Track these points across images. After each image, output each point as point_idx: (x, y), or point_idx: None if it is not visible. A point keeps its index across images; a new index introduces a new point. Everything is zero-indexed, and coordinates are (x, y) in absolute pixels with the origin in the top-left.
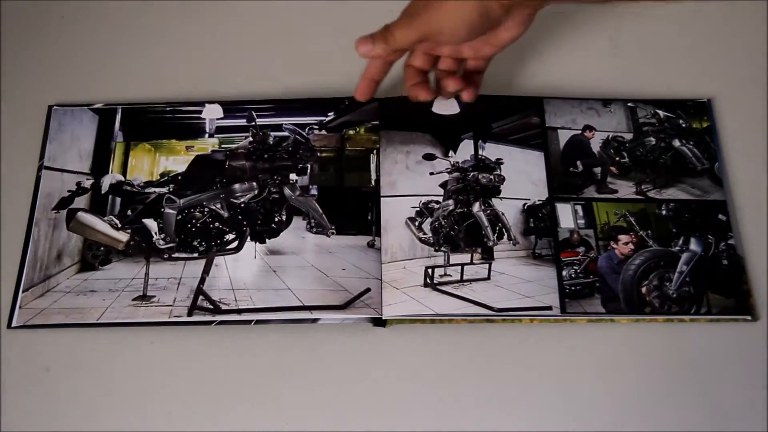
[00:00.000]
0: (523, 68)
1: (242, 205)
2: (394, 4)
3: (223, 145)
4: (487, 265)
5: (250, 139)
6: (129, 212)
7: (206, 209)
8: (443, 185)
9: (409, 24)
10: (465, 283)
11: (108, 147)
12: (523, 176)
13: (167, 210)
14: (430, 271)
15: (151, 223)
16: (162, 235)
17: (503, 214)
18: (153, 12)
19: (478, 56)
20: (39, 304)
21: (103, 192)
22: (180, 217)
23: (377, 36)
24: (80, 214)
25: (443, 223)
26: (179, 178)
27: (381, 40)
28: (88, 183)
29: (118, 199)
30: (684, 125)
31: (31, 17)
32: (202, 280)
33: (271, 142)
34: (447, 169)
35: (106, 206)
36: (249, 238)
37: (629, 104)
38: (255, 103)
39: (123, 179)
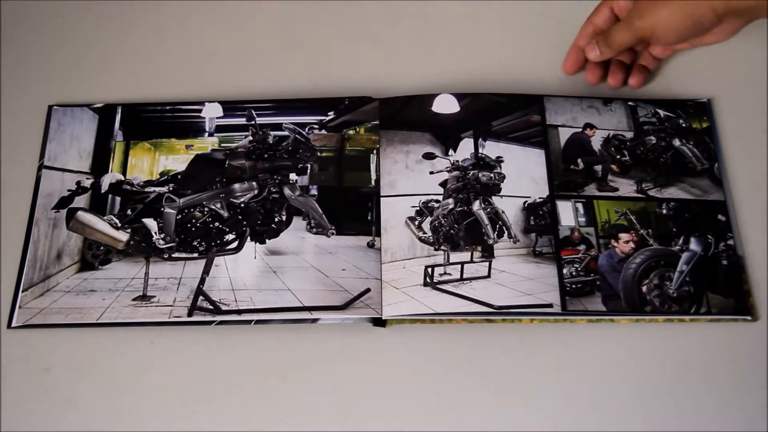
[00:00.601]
0: (524, 66)
1: (242, 205)
2: (394, 4)
3: (222, 144)
4: (487, 264)
5: (250, 138)
6: (129, 212)
7: (206, 209)
8: (443, 184)
9: (627, 29)
10: (465, 282)
11: (108, 146)
12: (523, 174)
13: (167, 210)
14: (429, 270)
15: (151, 223)
16: (162, 235)
17: (503, 212)
18: (153, 12)
19: (669, 49)
20: (39, 303)
21: (102, 191)
22: (180, 216)
23: (600, 41)
24: (80, 213)
25: (443, 221)
26: (179, 177)
27: (604, 44)
28: (88, 182)
29: (118, 199)
30: (684, 125)
31: (31, 17)
32: (202, 281)
33: (271, 142)
34: (447, 167)
35: (106, 206)
36: (249, 238)
37: (630, 103)
38: (255, 103)
39: (123, 178)
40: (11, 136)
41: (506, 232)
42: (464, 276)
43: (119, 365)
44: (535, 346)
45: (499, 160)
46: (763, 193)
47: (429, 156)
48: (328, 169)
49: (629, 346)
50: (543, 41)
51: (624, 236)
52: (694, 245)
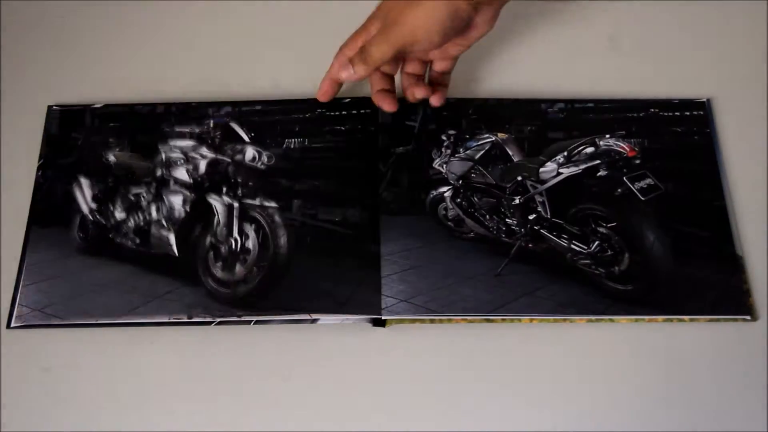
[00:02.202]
0: (520, 69)
1: None
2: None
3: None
4: None
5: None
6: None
7: None
8: None
9: (385, 39)
10: None
11: None
12: None
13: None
14: None
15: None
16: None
17: None
18: (153, 12)
19: (446, 57)
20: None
21: None
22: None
23: (355, 59)
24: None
25: None
26: None
27: (360, 62)
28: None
29: None
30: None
31: (31, 17)
32: None
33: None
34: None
35: None
36: None
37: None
38: (255, 103)
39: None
40: (11, 136)
41: None
42: None
43: (119, 365)
44: (535, 346)
45: None
46: (763, 193)
47: None
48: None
49: (629, 346)
50: (540, 42)
51: None
52: None
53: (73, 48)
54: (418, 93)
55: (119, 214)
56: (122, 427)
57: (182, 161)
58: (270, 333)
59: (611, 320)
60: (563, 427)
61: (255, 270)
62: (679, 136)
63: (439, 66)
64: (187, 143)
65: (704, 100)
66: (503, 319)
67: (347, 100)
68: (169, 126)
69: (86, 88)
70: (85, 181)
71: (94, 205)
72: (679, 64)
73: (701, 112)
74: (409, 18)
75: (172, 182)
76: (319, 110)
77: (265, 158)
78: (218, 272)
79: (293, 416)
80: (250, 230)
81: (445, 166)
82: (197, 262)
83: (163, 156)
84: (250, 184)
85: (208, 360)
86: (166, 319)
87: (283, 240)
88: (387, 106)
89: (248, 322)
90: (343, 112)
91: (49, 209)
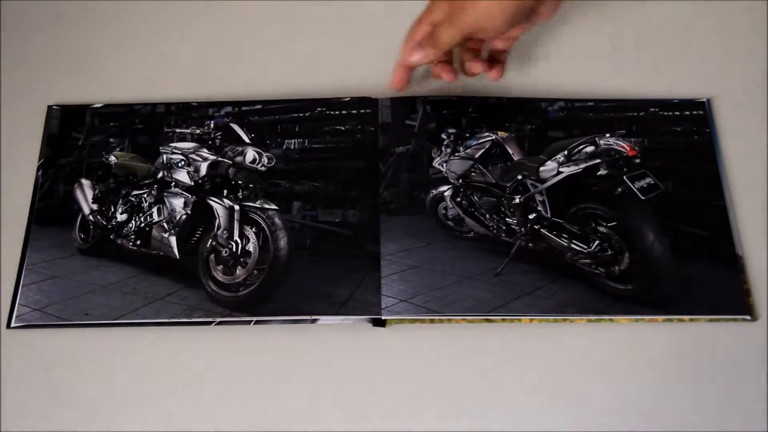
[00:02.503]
0: (521, 69)
1: None
2: (394, 4)
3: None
4: None
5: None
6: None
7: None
8: None
9: (453, 25)
10: None
11: None
12: None
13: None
14: None
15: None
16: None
17: None
18: (153, 12)
19: (507, 37)
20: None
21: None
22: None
23: (424, 43)
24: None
25: None
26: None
27: (429, 46)
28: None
29: None
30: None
31: (31, 17)
32: None
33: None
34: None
35: None
36: None
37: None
38: (255, 103)
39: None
40: (11, 136)
41: None
42: None
43: (119, 365)
44: (535, 346)
45: None
46: (762, 193)
47: None
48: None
49: (629, 346)
50: (541, 42)
51: None
52: None
53: (73, 48)
54: (475, 68)
55: (120, 216)
56: (122, 427)
57: (183, 163)
58: (270, 333)
59: (611, 320)
60: (563, 427)
61: (255, 273)
62: (679, 136)
63: (499, 44)
64: (188, 145)
65: (704, 100)
66: (503, 319)
67: (347, 100)
68: (170, 127)
69: (86, 88)
70: (86, 182)
71: (95, 206)
72: (679, 64)
73: (701, 112)
74: (476, 6)
75: (173, 184)
76: (319, 110)
77: (265, 160)
78: (219, 275)
79: (293, 416)
80: (250, 233)
81: (445, 165)
82: (198, 265)
83: (164, 158)
84: (251, 186)
85: (208, 360)
86: (166, 319)
87: (283, 242)
88: (447, 75)
89: (248, 322)
90: (343, 112)
91: (49, 209)
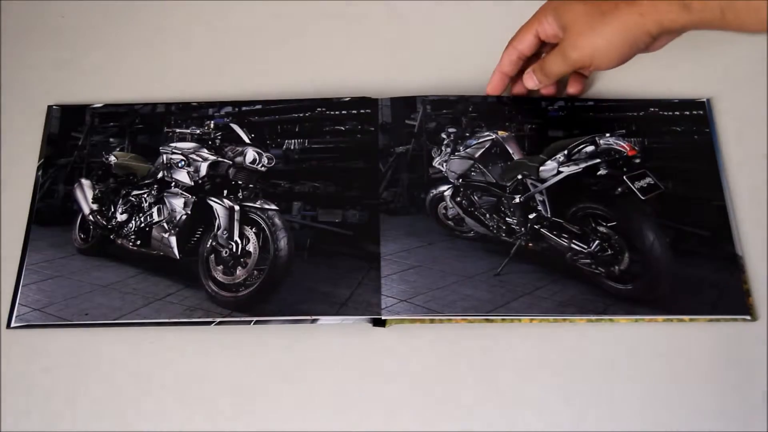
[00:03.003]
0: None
1: None
2: (394, 4)
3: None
4: None
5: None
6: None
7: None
8: None
9: (563, 60)
10: None
11: None
12: None
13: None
14: None
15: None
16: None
17: None
18: (153, 12)
19: (614, 67)
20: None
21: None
22: None
23: (536, 71)
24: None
25: None
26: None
27: (541, 74)
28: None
29: None
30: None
31: (31, 17)
32: None
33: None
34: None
35: None
36: None
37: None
38: (255, 103)
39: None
40: (11, 136)
41: None
42: None
43: (119, 365)
44: (535, 346)
45: None
46: (763, 193)
47: None
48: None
49: (629, 346)
50: None
51: None
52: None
53: (73, 48)
54: (551, 88)
55: (120, 216)
56: (122, 427)
57: (183, 163)
58: (270, 333)
59: (611, 320)
60: (563, 427)
61: (255, 273)
62: (679, 136)
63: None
64: (188, 145)
65: (704, 100)
66: (503, 319)
67: (347, 100)
68: (170, 127)
69: (86, 88)
70: (86, 182)
71: (95, 206)
72: (679, 64)
73: (701, 112)
74: (589, 43)
75: (173, 184)
76: (319, 110)
77: (265, 160)
78: (219, 275)
79: (293, 416)
80: (250, 233)
81: (445, 164)
82: (198, 265)
83: (164, 158)
84: (251, 186)
85: (208, 360)
86: (166, 319)
87: (283, 243)
88: (492, 88)
89: (248, 322)
90: (343, 112)
91: (49, 209)
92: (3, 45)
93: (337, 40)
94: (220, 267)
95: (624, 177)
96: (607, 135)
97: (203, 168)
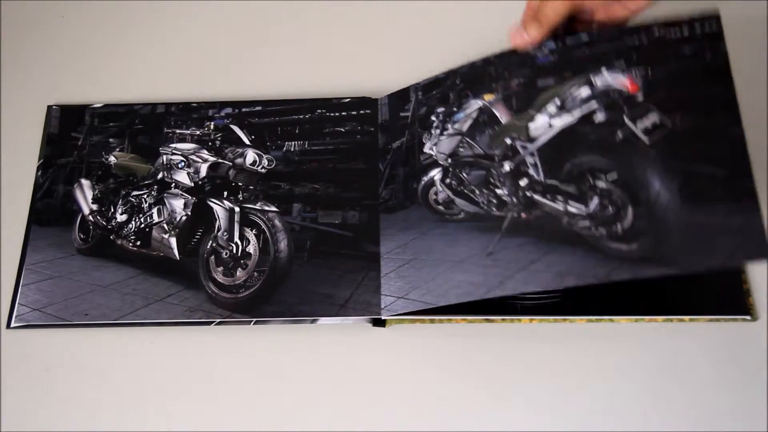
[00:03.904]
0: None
1: None
2: (394, 4)
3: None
4: None
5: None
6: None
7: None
8: None
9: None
10: None
11: None
12: None
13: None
14: None
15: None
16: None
17: None
18: (153, 12)
19: (612, 18)
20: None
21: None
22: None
23: (527, 21)
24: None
25: None
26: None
27: (533, 24)
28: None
29: None
30: None
31: (31, 17)
32: None
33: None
34: None
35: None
36: None
37: None
38: (254, 103)
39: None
40: (11, 136)
41: None
42: None
43: (119, 365)
44: (534, 346)
45: None
46: (762, 193)
47: None
48: None
49: (629, 345)
50: None
51: None
52: None
53: (73, 48)
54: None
55: (120, 216)
56: (122, 427)
57: (183, 164)
58: (270, 333)
59: (611, 320)
60: (563, 427)
61: (256, 275)
62: (688, 59)
63: (619, 13)
64: (188, 146)
65: (717, 14)
66: (503, 319)
67: (347, 100)
68: (170, 128)
69: (86, 88)
70: (85, 182)
71: (94, 207)
72: None
73: (714, 29)
74: None
75: (173, 185)
76: (319, 111)
77: (265, 162)
78: (219, 276)
79: (293, 416)
80: (250, 235)
81: (434, 147)
82: (198, 266)
83: (164, 159)
84: (251, 188)
85: (208, 360)
86: (166, 319)
87: (283, 244)
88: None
89: (248, 322)
90: (343, 113)
91: (48, 209)
92: (3, 45)
93: (338, 40)
94: (221, 268)
95: (625, 118)
96: (604, 70)
97: (203, 169)
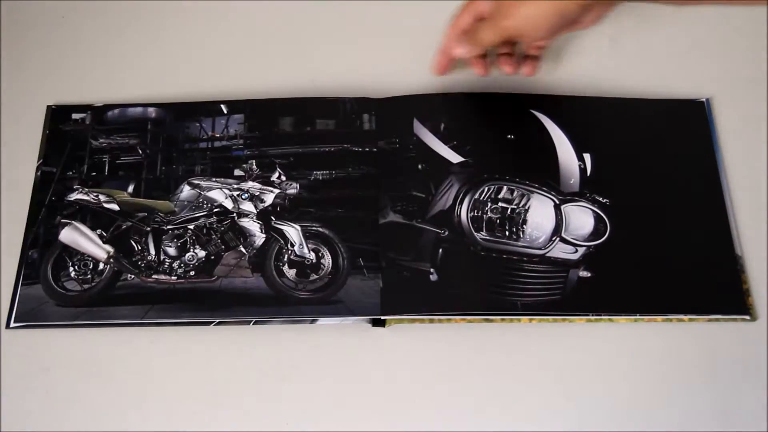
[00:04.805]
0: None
1: None
2: (394, 4)
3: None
4: None
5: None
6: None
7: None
8: None
9: (494, 27)
10: None
11: None
12: None
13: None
14: None
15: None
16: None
17: None
18: (153, 12)
19: (544, 39)
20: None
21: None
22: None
23: (465, 38)
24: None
25: None
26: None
27: (470, 42)
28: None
29: None
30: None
31: (31, 17)
32: None
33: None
34: None
35: None
36: None
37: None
38: (254, 103)
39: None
40: (11, 136)
41: None
42: None
43: (119, 365)
44: (534, 346)
45: None
46: (762, 193)
47: None
48: None
49: (629, 345)
50: None
51: None
52: None
53: (73, 48)
54: (507, 69)
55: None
56: (122, 427)
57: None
58: (270, 333)
59: (611, 320)
60: (563, 427)
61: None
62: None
63: (535, 43)
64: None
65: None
66: (502, 319)
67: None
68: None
69: (86, 88)
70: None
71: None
72: (678, 64)
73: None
74: (520, 12)
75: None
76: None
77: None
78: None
79: (293, 416)
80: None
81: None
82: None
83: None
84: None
85: (208, 360)
86: (166, 320)
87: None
88: (478, 70)
89: (248, 322)
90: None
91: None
92: (3, 45)
93: (338, 39)
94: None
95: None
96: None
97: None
